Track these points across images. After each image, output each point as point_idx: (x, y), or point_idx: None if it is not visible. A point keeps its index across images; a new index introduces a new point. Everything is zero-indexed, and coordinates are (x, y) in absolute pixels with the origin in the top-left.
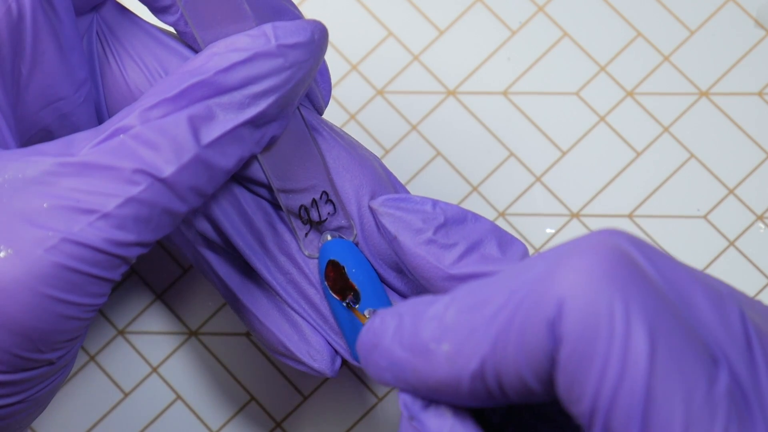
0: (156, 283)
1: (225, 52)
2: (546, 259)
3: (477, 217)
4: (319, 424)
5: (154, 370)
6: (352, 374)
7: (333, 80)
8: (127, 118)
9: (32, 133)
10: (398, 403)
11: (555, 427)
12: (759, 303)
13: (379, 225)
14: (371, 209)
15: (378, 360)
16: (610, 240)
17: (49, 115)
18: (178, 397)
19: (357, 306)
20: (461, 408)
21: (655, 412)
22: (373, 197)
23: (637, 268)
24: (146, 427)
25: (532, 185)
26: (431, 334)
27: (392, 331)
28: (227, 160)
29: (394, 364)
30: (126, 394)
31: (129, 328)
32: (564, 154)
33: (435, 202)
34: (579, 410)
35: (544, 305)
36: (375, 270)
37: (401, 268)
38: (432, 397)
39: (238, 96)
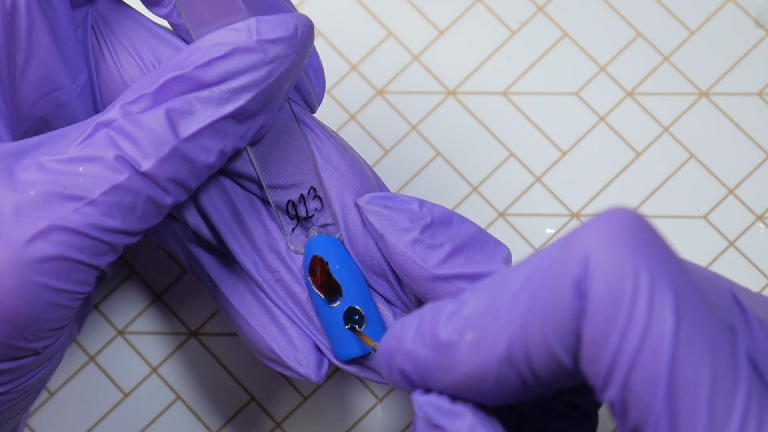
0: (156, 283)
1: (207, 46)
2: (564, 236)
3: (463, 219)
4: (319, 424)
5: (154, 370)
6: (352, 375)
7: (333, 80)
8: (110, 112)
9: (30, 123)
10: (397, 403)
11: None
12: (742, 287)
13: (365, 222)
14: (358, 206)
15: (402, 364)
16: (627, 209)
17: (46, 105)
18: (178, 397)
19: (338, 303)
20: (481, 407)
21: (681, 371)
22: (359, 197)
23: (656, 231)
24: (146, 427)
25: (532, 185)
26: (453, 328)
27: (413, 332)
28: (208, 154)
29: (418, 365)
30: (126, 394)
31: (129, 328)
32: (564, 154)
33: (422, 202)
34: (598, 369)
35: (570, 266)
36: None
37: (382, 272)
38: (459, 394)
39: (216, 91)
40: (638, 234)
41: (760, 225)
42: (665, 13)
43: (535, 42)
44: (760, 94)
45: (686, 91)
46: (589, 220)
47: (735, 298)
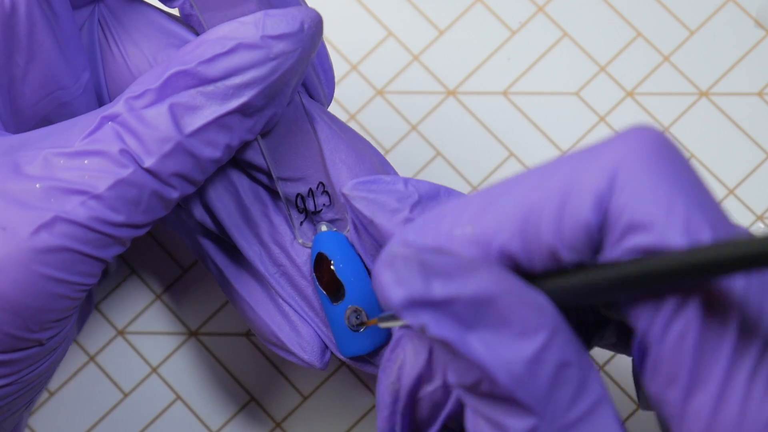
0: (156, 283)
1: (213, 40)
2: (588, 146)
3: (449, 191)
4: (318, 424)
5: (154, 370)
6: (352, 374)
7: None
8: (115, 106)
9: (33, 123)
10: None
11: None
12: None
13: (353, 210)
14: (343, 195)
15: (404, 265)
16: (655, 128)
17: (48, 105)
18: (178, 397)
19: (342, 301)
20: None
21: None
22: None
23: (682, 154)
24: (146, 427)
25: None
26: (454, 221)
27: (417, 229)
28: (213, 148)
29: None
30: (126, 394)
31: (129, 328)
32: (564, 154)
33: (407, 180)
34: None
35: (594, 177)
36: (366, 265)
37: None
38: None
39: (221, 86)
40: (669, 154)
41: (761, 225)
42: (665, 13)
43: (535, 42)
44: (760, 94)
45: (686, 91)
46: (617, 134)
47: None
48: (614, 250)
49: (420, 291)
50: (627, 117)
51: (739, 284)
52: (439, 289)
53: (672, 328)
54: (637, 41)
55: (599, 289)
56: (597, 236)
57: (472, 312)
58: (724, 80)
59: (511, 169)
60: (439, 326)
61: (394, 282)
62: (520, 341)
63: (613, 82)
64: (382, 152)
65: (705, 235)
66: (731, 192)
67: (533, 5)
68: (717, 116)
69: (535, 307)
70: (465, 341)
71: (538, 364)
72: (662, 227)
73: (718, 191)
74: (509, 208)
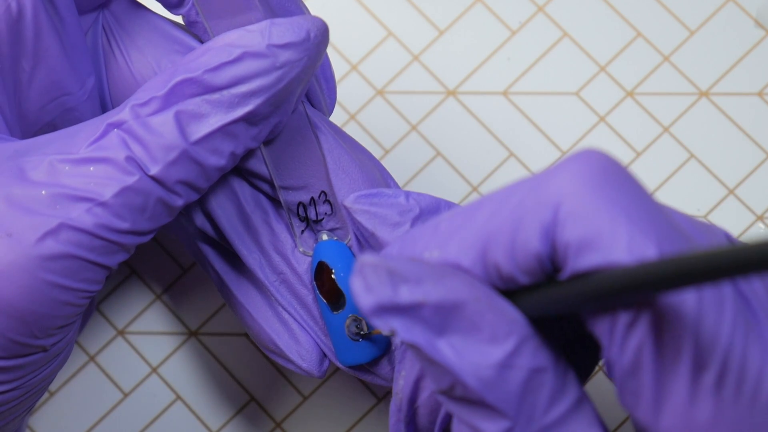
0: (156, 283)
1: (219, 47)
2: (541, 173)
3: (450, 204)
4: (319, 424)
5: (154, 370)
6: (351, 374)
7: None
8: (121, 113)
9: (38, 127)
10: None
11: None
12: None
13: (355, 223)
14: (345, 208)
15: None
16: (600, 151)
17: (54, 110)
18: (178, 397)
19: (342, 310)
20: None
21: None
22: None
23: (629, 174)
24: (146, 427)
25: None
26: (426, 244)
27: (398, 246)
28: (218, 156)
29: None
30: (126, 394)
31: (129, 328)
32: (564, 154)
33: (408, 194)
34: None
35: (540, 209)
36: None
37: None
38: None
39: (226, 95)
40: (612, 178)
41: (760, 225)
42: (665, 13)
43: (535, 42)
44: (760, 94)
45: (686, 91)
46: (563, 160)
47: (728, 238)
48: (566, 274)
49: (387, 297)
50: (627, 117)
51: (690, 298)
52: (407, 295)
53: (628, 343)
54: (637, 41)
55: (554, 304)
56: (549, 263)
57: (441, 317)
58: (724, 80)
59: (511, 169)
60: (408, 331)
61: (363, 289)
62: (490, 346)
63: (613, 82)
64: (382, 152)
65: (650, 253)
66: (731, 192)
67: (533, 5)
68: (717, 116)
69: (505, 315)
70: (434, 346)
71: (508, 368)
72: (606, 250)
73: (718, 191)
74: (470, 237)
